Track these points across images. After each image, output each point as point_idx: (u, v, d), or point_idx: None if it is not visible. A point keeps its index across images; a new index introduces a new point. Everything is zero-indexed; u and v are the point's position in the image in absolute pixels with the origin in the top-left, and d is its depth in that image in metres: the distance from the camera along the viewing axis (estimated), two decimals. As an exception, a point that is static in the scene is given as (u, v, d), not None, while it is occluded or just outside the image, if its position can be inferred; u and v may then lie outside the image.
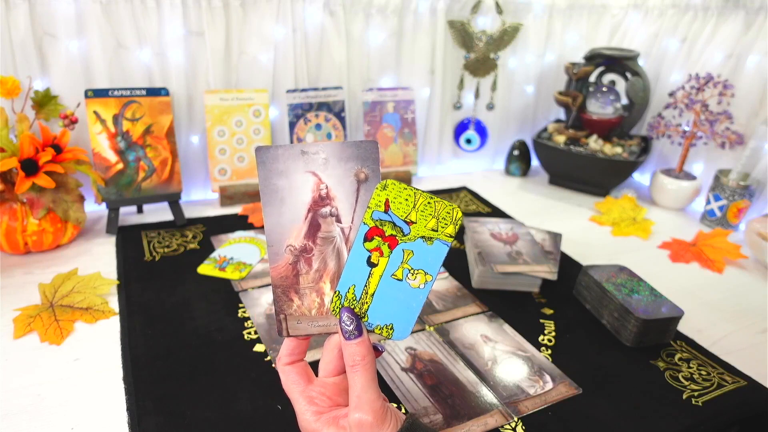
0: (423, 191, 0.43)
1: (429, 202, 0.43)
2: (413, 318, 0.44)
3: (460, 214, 0.43)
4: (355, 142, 0.44)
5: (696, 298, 0.87)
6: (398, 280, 0.43)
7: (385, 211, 0.43)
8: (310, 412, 0.44)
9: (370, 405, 0.41)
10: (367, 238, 0.43)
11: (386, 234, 0.43)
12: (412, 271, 0.43)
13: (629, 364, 0.69)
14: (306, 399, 0.45)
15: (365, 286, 0.44)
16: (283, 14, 1.05)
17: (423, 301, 0.44)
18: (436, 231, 0.43)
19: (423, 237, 0.43)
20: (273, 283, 0.45)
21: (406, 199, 0.43)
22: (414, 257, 0.43)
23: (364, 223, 0.43)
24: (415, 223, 0.43)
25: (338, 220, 0.44)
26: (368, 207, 0.43)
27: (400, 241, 0.43)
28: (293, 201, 0.44)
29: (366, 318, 0.44)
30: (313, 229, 0.45)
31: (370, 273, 0.43)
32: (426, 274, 0.43)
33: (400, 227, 0.43)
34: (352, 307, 0.44)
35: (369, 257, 0.43)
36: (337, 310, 0.44)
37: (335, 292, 0.44)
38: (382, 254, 0.43)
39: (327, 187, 0.44)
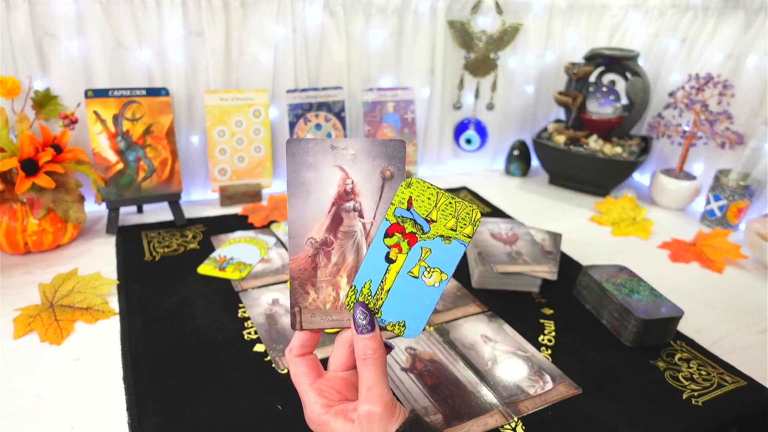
0: (445, 191, 0.44)
1: (450, 202, 0.43)
2: (426, 316, 0.45)
3: (479, 216, 0.43)
4: (383, 140, 0.45)
5: (696, 298, 0.87)
6: (414, 277, 0.44)
7: (408, 209, 0.43)
8: (319, 404, 0.44)
9: (380, 397, 0.41)
10: (388, 234, 0.44)
11: (407, 231, 0.44)
12: (428, 269, 0.44)
13: (629, 364, 0.69)
14: (315, 391, 0.45)
15: (381, 282, 0.44)
16: (283, 14, 1.05)
17: (437, 300, 0.44)
18: (455, 231, 0.43)
19: (442, 236, 0.44)
20: (291, 275, 0.46)
21: (429, 198, 0.43)
22: (431, 255, 0.44)
23: (386, 219, 0.44)
24: (435, 221, 0.44)
25: (361, 216, 0.45)
26: (392, 203, 0.44)
27: (419, 239, 0.44)
28: (319, 194, 0.45)
29: (379, 314, 0.44)
30: (336, 223, 0.45)
31: (387, 269, 0.44)
32: (442, 272, 0.44)
33: (420, 225, 0.44)
34: (367, 302, 0.44)
35: (388, 253, 0.44)
36: (352, 305, 0.44)
37: (351, 287, 0.45)
38: (401, 251, 0.44)
39: (353, 183, 0.45)
